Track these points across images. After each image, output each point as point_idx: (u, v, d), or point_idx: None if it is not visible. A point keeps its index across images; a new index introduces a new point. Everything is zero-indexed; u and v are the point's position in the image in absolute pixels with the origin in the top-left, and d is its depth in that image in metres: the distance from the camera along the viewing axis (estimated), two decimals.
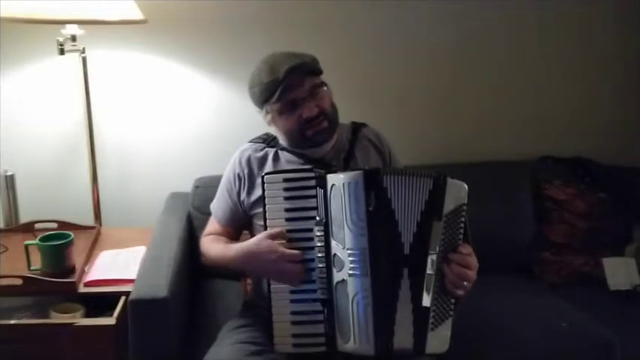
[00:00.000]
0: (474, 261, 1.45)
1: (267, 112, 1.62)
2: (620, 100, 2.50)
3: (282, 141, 1.68)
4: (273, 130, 1.68)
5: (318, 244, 1.43)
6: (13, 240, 2.00)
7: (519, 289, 2.11)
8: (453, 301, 1.44)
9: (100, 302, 1.75)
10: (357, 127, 1.75)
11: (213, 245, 1.68)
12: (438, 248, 1.40)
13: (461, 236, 1.43)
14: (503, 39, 2.37)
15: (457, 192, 1.42)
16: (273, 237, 1.47)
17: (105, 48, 2.16)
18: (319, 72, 1.62)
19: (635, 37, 2.44)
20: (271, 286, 1.48)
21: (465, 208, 1.42)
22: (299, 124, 1.58)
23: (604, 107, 2.49)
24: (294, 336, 1.46)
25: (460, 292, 1.43)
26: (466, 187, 1.43)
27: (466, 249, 1.44)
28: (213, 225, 1.76)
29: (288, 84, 1.54)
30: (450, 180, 1.42)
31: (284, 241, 1.46)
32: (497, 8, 2.32)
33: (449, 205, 1.41)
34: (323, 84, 1.62)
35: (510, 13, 2.34)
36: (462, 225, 1.43)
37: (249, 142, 1.74)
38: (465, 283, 1.42)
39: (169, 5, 2.15)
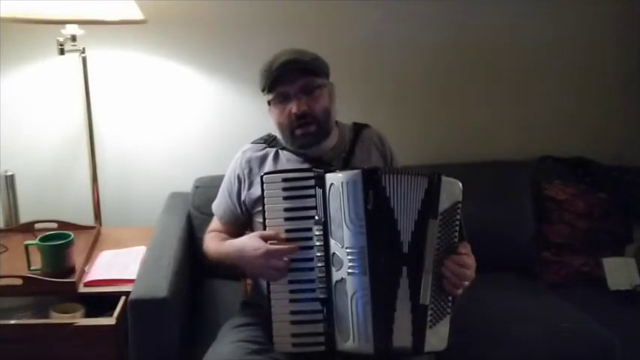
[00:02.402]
0: (471, 260, 1.45)
1: (267, 102, 1.64)
2: (619, 101, 2.49)
3: (279, 136, 1.68)
4: (272, 123, 1.68)
5: (317, 244, 1.43)
6: (13, 240, 2.01)
7: (519, 289, 2.10)
8: (450, 298, 1.44)
9: (100, 302, 1.75)
10: (359, 128, 1.75)
11: (212, 242, 1.71)
12: (435, 246, 1.40)
13: (457, 234, 1.44)
14: (503, 39, 2.37)
15: (452, 190, 1.43)
16: (264, 237, 1.48)
17: (105, 48, 2.16)
18: (321, 73, 1.61)
19: (635, 38, 2.44)
20: (271, 286, 1.47)
21: (459, 205, 1.43)
22: (289, 119, 1.59)
23: (604, 107, 2.49)
24: (294, 335, 1.46)
25: (458, 292, 1.43)
26: (460, 184, 1.44)
27: (465, 248, 1.45)
28: (215, 222, 1.78)
29: (279, 76, 1.56)
30: (444, 178, 1.42)
31: (275, 242, 1.47)
32: (498, 8, 2.32)
33: (444, 203, 1.41)
34: (323, 86, 1.61)
35: (511, 13, 2.34)
36: (458, 222, 1.43)
37: (251, 142, 1.75)
38: (464, 282, 1.42)
39: (169, 5, 2.15)
